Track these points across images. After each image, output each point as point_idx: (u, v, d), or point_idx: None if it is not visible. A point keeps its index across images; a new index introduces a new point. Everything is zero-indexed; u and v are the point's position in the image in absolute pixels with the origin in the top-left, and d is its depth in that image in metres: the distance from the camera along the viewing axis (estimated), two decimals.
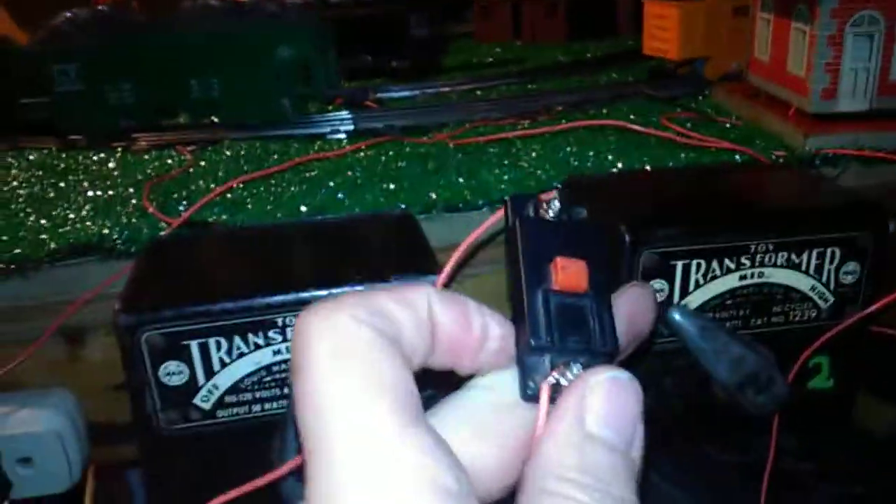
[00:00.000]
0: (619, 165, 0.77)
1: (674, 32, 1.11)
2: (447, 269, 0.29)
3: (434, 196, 0.70)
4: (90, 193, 0.77)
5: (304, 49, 1.03)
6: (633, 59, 1.29)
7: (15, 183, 0.83)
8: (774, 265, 0.57)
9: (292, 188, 0.75)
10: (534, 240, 0.26)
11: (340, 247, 0.58)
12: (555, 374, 0.24)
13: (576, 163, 0.78)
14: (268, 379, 0.50)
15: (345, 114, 1.00)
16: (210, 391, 0.49)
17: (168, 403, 0.49)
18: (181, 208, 0.70)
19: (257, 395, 0.50)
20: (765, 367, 0.51)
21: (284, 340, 0.49)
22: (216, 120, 1.01)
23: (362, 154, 0.87)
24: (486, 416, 0.24)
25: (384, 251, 0.58)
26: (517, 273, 0.26)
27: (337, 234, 0.61)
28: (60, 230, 0.66)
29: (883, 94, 0.81)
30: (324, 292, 0.49)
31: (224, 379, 0.49)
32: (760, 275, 0.57)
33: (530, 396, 0.24)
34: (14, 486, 0.57)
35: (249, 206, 0.71)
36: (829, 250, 0.57)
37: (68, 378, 0.62)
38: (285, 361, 0.50)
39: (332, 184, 0.76)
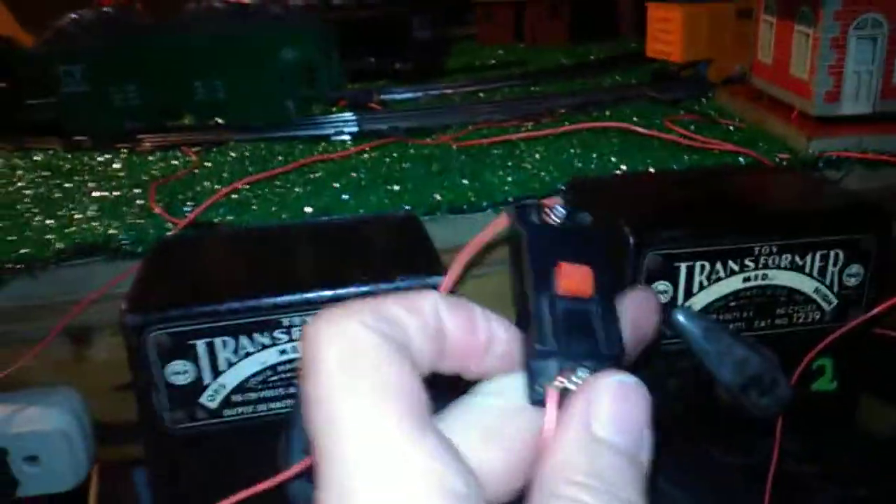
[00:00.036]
0: (623, 167, 0.77)
1: (677, 35, 1.12)
2: (452, 274, 0.29)
3: (438, 197, 0.71)
4: (96, 194, 0.78)
5: (307, 51, 1.03)
6: (636, 62, 1.29)
7: (21, 183, 0.83)
8: (778, 267, 0.57)
9: (297, 189, 0.76)
10: (539, 246, 0.26)
11: (345, 248, 0.58)
12: (561, 378, 0.24)
13: (579, 165, 0.78)
14: (273, 378, 0.50)
15: (349, 115, 1.01)
16: (216, 391, 0.50)
17: (174, 403, 0.49)
18: (187, 209, 0.71)
19: (263, 394, 0.51)
20: (768, 370, 0.51)
21: (290, 340, 0.50)
22: (221, 121, 1.01)
23: (366, 156, 0.87)
24: (493, 421, 0.24)
25: (389, 252, 0.58)
26: (523, 279, 0.26)
27: (342, 235, 0.61)
28: (67, 230, 0.67)
29: (886, 97, 0.82)
30: (329, 293, 0.50)
31: (230, 378, 0.50)
32: (764, 277, 0.57)
33: (537, 400, 0.24)
34: (20, 484, 0.57)
35: (254, 207, 0.71)
36: (832, 253, 0.57)
37: (74, 377, 0.62)
38: (291, 361, 0.50)
39: (336, 185, 0.76)
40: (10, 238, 0.66)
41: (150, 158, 0.91)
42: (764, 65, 0.96)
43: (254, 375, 0.50)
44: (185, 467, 0.52)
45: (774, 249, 0.56)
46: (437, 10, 1.43)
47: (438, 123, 0.99)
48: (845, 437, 0.64)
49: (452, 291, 0.31)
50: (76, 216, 0.70)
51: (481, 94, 1.18)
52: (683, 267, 0.55)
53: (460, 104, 1.12)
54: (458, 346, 0.25)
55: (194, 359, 0.48)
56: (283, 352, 0.50)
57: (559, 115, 1.01)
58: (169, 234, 0.66)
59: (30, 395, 0.58)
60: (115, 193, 0.77)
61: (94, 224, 0.68)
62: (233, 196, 0.74)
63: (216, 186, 0.77)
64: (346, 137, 0.96)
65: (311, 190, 0.75)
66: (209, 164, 0.87)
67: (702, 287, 0.56)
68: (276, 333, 0.49)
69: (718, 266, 0.56)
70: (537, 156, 0.82)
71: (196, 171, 0.84)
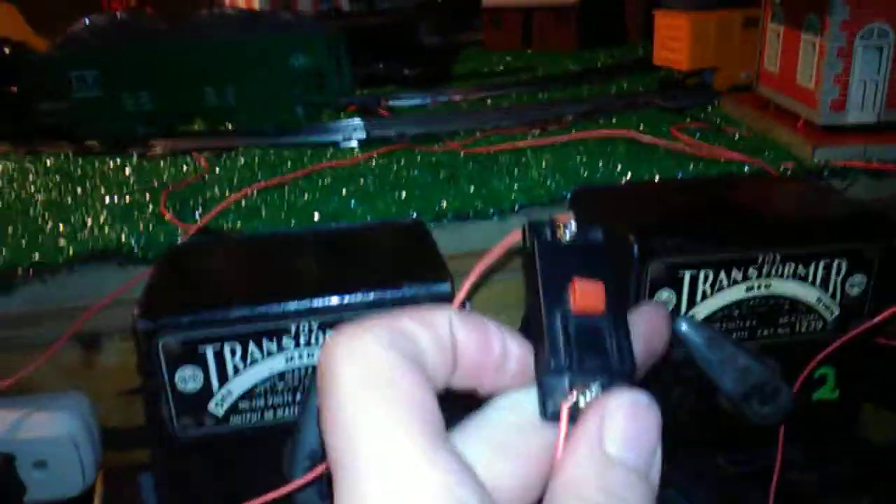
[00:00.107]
0: (629, 176, 0.77)
1: (684, 43, 1.12)
2: (463, 290, 0.29)
3: (445, 204, 0.71)
4: (107, 200, 0.78)
5: (317, 57, 1.04)
6: (643, 69, 1.30)
7: (33, 188, 0.84)
8: (781, 277, 0.57)
9: (306, 195, 0.76)
10: (551, 262, 0.27)
11: (353, 254, 0.58)
12: (574, 394, 0.24)
13: (585, 173, 0.79)
14: (280, 386, 0.51)
15: (357, 121, 1.01)
16: (224, 397, 0.50)
17: (182, 409, 0.50)
18: (197, 215, 0.71)
19: (270, 401, 0.51)
20: (770, 379, 0.52)
21: (297, 347, 0.50)
22: (230, 127, 1.02)
23: (374, 162, 0.88)
24: (506, 436, 0.25)
25: (396, 259, 0.59)
26: (535, 295, 0.26)
27: (349, 242, 0.62)
28: (78, 236, 0.68)
29: (892, 106, 0.82)
30: (336, 300, 0.50)
31: (238, 385, 0.50)
32: (767, 286, 0.57)
33: (550, 416, 0.24)
34: (28, 489, 0.57)
35: (263, 214, 0.72)
36: (835, 262, 0.57)
37: (83, 382, 0.63)
38: (298, 369, 0.51)
39: (344, 191, 0.77)
40: (21, 243, 0.66)
41: (161, 164, 0.92)
42: (770, 73, 0.96)
43: (261, 382, 0.50)
44: (192, 473, 0.53)
45: (777, 259, 0.56)
46: (446, 17, 1.43)
47: (446, 130, 1.00)
48: (847, 445, 0.65)
49: (463, 304, 0.32)
50: (88, 222, 0.71)
51: (489, 101, 1.19)
52: (687, 275, 0.56)
53: (468, 110, 1.13)
54: (471, 361, 0.25)
55: (203, 365, 0.49)
56: (290, 359, 0.50)
57: (566, 122, 1.01)
58: (179, 240, 0.66)
59: (38, 400, 0.59)
60: (126, 199, 0.78)
61: (105, 230, 0.69)
62: (242, 202, 0.75)
63: (226, 192, 0.78)
64: (355, 144, 0.97)
65: (319, 196, 0.76)
66: (219, 170, 0.88)
67: (705, 296, 0.57)
68: (284, 340, 0.50)
69: (722, 275, 0.56)
70: (544, 163, 0.83)
71: (206, 176, 0.85)
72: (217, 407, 0.51)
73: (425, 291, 0.51)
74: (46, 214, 0.74)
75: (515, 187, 0.75)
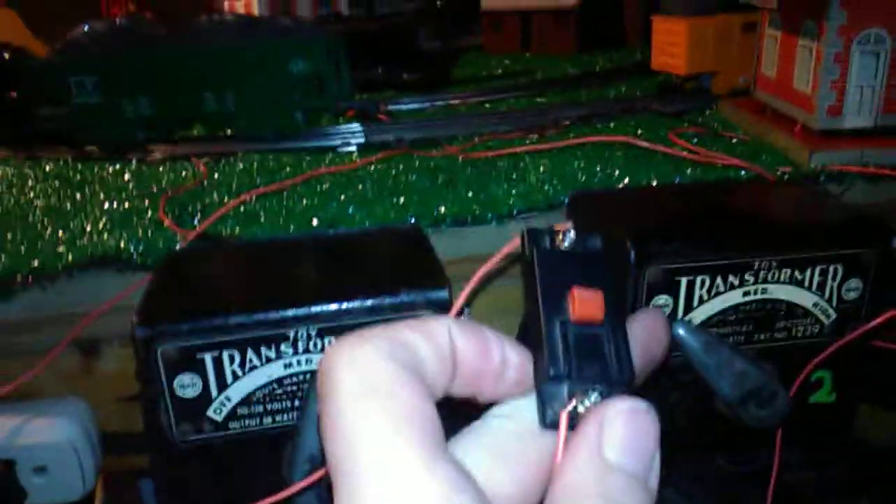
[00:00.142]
0: (626, 181, 0.77)
1: (683, 48, 1.12)
2: (461, 298, 0.30)
3: (443, 210, 0.71)
4: (106, 205, 0.79)
5: (317, 62, 1.04)
6: (641, 73, 1.30)
7: (32, 194, 0.84)
8: (778, 282, 0.57)
9: (304, 201, 0.76)
10: (550, 271, 0.27)
11: (351, 261, 0.59)
12: (573, 402, 0.24)
13: (583, 178, 0.79)
14: (279, 392, 0.51)
15: (356, 126, 1.02)
16: (223, 403, 0.50)
17: (181, 415, 0.50)
18: (196, 221, 0.72)
19: (269, 407, 0.51)
20: (767, 383, 0.52)
21: (296, 354, 0.50)
22: (229, 132, 1.03)
23: (373, 167, 0.88)
24: (506, 444, 0.25)
25: (394, 265, 0.59)
26: (535, 304, 0.26)
27: (347, 248, 0.62)
28: (77, 242, 0.68)
29: (888, 111, 0.82)
30: (334, 307, 0.50)
31: (236, 391, 0.50)
32: (764, 291, 0.57)
33: (549, 424, 0.25)
34: (28, 494, 0.58)
35: (262, 220, 0.72)
36: (832, 267, 0.58)
37: (82, 388, 0.63)
38: (296, 374, 0.51)
39: (343, 197, 0.77)
40: (21, 249, 0.67)
41: (160, 169, 0.92)
42: (767, 78, 0.96)
43: (259, 388, 0.51)
44: (191, 479, 0.53)
45: (774, 264, 0.57)
46: (445, 22, 1.44)
47: (444, 135, 1.00)
48: (844, 447, 0.65)
49: (462, 311, 0.32)
50: (87, 228, 0.71)
51: (487, 105, 1.19)
52: (684, 281, 0.56)
53: (466, 115, 1.13)
54: (471, 370, 0.25)
55: (201, 372, 0.49)
56: (288, 365, 0.51)
57: (564, 126, 1.02)
58: (178, 246, 0.66)
59: (38, 406, 0.59)
60: (125, 205, 0.78)
61: (104, 236, 0.69)
62: (241, 208, 0.75)
63: (225, 198, 0.78)
64: (353, 148, 0.97)
65: (317, 202, 0.76)
66: (218, 176, 0.88)
67: (702, 301, 0.57)
68: (282, 347, 0.50)
69: (718, 280, 0.57)
70: (542, 168, 0.83)
71: (205, 182, 0.85)
72: (216, 413, 0.51)
73: (423, 298, 0.52)
74: (45, 220, 0.75)
75: (513, 192, 0.75)
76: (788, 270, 0.57)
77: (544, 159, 0.87)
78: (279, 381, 0.51)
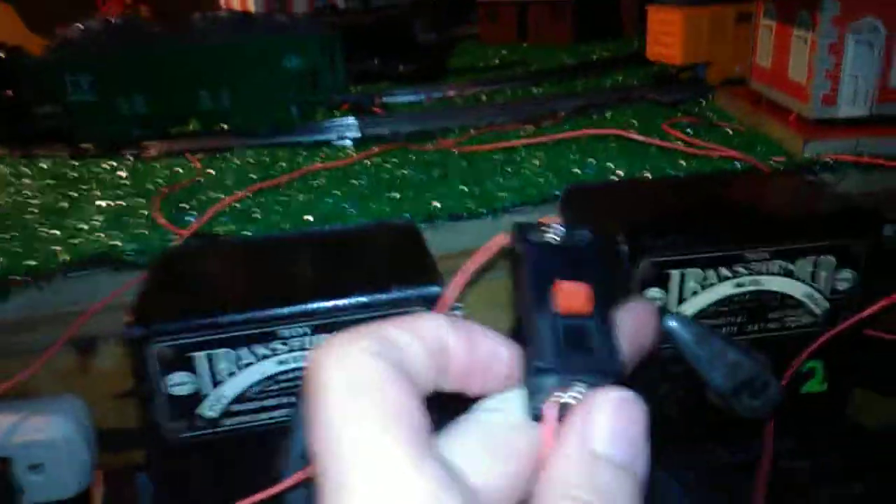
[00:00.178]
0: (621, 173, 0.77)
1: (678, 38, 1.12)
2: (450, 294, 0.30)
3: (438, 205, 0.72)
4: (102, 204, 0.79)
5: (311, 57, 1.04)
6: (637, 63, 1.30)
7: (28, 193, 0.85)
8: (770, 273, 0.58)
9: (300, 197, 0.77)
10: (538, 264, 0.27)
11: (344, 258, 0.59)
12: (561, 394, 0.24)
13: (577, 171, 0.79)
14: (273, 388, 0.51)
15: (351, 120, 1.02)
16: (216, 400, 0.51)
17: (175, 413, 0.50)
18: (191, 219, 0.72)
19: (262, 404, 0.52)
20: (760, 373, 0.52)
21: (289, 351, 0.51)
22: (225, 128, 1.03)
23: (368, 162, 0.88)
24: (495, 438, 0.25)
25: (386, 262, 0.59)
26: (523, 297, 0.26)
27: (341, 245, 0.62)
28: (73, 241, 0.68)
29: (882, 100, 0.82)
30: (327, 304, 0.51)
31: (230, 389, 0.51)
32: (756, 282, 0.58)
33: (537, 416, 0.25)
34: (24, 492, 0.58)
35: (257, 216, 0.72)
36: (823, 258, 0.58)
37: (79, 386, 0.63)
38: (290, 371, 0.51)
39: (338, 193, 0.77)
40: (17, 250, 0.67)
41: (156, 166, 0.92)
42: (762, 68, 0.96)
43: (253, 385, 0.51)
44: (187, 476, 0.53)
45: (766, 255, 0.57)
46: (441, 13, 1.44)
47: (440, 127, 1.00)
48: (836, 435, 0.65)
49: (452, 308, 0.32)
50: (82, 227, 0.72)
51: (483, 97, 1.19)
52: (676, 274, 0.56)
53: (462, 107, 1.13)
54: (460, 365, 0.25)
55: (195, 370, 0.50)
56: (281, 362, 0.51)
57: (560, 117, 1.02)
58: (172, 244, 0.67)
59: (34, 404, 0.60)
60: (120, 203, 0.79)
61: (99, 235, 0.69)
62: (236, 205, 0.75)
63: (219, 195, 0.78)
64: (349, 142, 0.97)
65: (312, 198, 0.76)
66: (213, 172, 0.88)
67: (694, 293, 0.57)
68: (275, 344, 0.50)
69: (711, 272, 0.57)
70: (536, 161, 0.83)
71: (200, 179, 0.85)
72: (211, 410, 0.51)
73: (416, 294, 0.52)
74: (42, 219, 0.75)
75: (508, 186, 0.75)
76: (780, 262, 0.57)
77: (539, 152, 0.87)
78: (274, 378, 0.51)
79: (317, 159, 0.90)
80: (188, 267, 0.60)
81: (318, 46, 1.05)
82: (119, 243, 0.66)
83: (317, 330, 0.51)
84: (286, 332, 0.50)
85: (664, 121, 0.93)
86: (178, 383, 0.50)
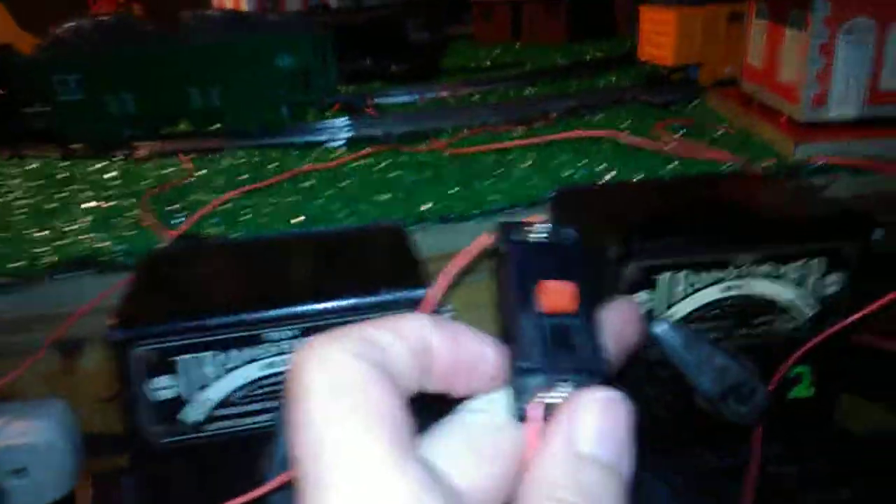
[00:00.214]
0: (611, 175, 0.77)
1: (671, 38, 1.12)
2: (435, 294, 0.29)
3: (428, 207, 0.71)
4: (89, 205, 0.78)
5: (303, 57, 1.04)
6: (630, 63, 1.30)
7: (16, 193, 0.84)
8: (758, 277, 0.57)
9: (289, 198, 0.76)
10: (523, 263, 0.27)
11: (331, 260, 0.58)
12: (546, 394, 0.24)
13: (568, 173, 0.79)
14: (258, 392, 0.51)
15: (343, 121, 1.01)
16: (201, 405, 0.50)
17: (159, 417, 0.50)
18: (180, 220, 0.72)
19: (247, 408, 0.51)
20: (747, 378, 0.52)
21: (274, 355, 0.50)
22: (216, 127, 1.02)
23: (359, 164, 0.88)
24: (480, 438, 0.25)
25: (374, 265, 0.59)
26: (507, 297, 0.26)
27: (328, 247, 0.62)
28: (59, 243, 0.68)
29: (874, 101, 0.82)
30: (313, 307, 0.50)
31: (215, 393, 0.50)
32: (744, 286, 0.57)
33: (522, 416, 0.24)
34: (7, 496, 0.58)
35: (246, 218, 0.72)
36: (812, 262, 0.57)
37: (64, 389, 0.63)
38: (275, 375, 0.51)
39: (328, 194, 0.77)
40: (3, 251, 0.67)
41: (145, 166, 0.92)
42: (754, 69, 0.96)
43: (238, 390, 0.51)
44: (171, 480, 0.53)
45: (755, 259, 0.57)
46: (434, 13, 1.43)
47: (432, 127, 1.00)
48: (823, 441, 0.65)
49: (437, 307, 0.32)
50: (69, 228, 0.71)
51: (475, 97, 1.19)
52: (663, 277, 0.56)
53: (455, 107, 1.12)
54: (444, 366, 0.25)
55: (179, 373, 0.49)
56: (266, 366, 0.50)
57: (552, 118, 1.01)
58: (159, 245, 0.66)
59: (17, 407, 0.59)
60: (108, 204, 0.78)
61: (86, 237, 0.69)
62: (225, 206, 0.75)
63: (210, 195, 0.78)
64: (340, 143, 0.97)
65: (302, 200, 0.76)
66: (203, 172, 0.87)
67: (682, 297, 0.57)
68: (261, 348, 0.50)
69: (698, 276, 0.56)
70: (528, 163, 0.83)
71: (190, 179, 0.85)
72: (196, 414, 0.51)
73: (404, 297, 0.51)
74: (29, 220, 0.74)
75: (498, 189, 0.75)
76: (768, 266, 0.57)
77: (531, 153, 0.87)
78: (259, 382, 0.51)
79: (308, 160, 0.90)
80: (174, 269, 0.59)
81: (310, 46, 1.05)
82: (106, 245, 0.66)
83: (304, 333, 0.50)
84: (273, 336, 0.50)
85: (655, 122, 0.93)
86: (162, 387, 0.49)
